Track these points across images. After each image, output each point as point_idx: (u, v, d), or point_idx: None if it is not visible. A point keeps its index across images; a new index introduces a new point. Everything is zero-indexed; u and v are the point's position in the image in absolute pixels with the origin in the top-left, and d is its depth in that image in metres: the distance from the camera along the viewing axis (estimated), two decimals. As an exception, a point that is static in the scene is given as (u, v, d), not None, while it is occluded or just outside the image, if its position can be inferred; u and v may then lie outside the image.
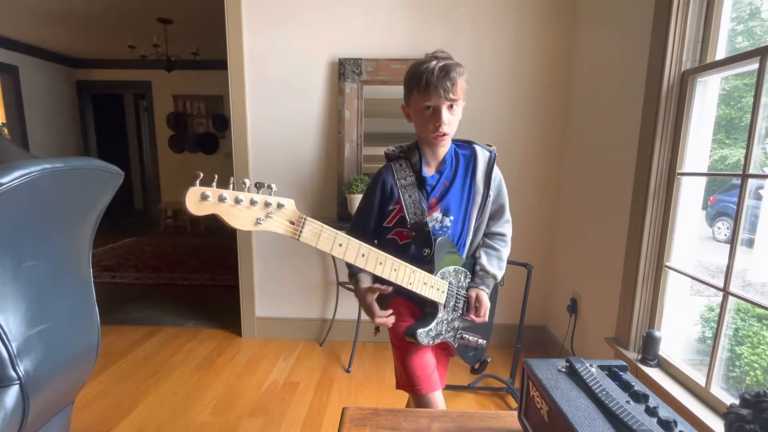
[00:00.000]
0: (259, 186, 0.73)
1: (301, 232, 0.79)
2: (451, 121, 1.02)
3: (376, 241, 1.13)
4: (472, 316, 1.09)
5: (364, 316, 2.31)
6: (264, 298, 2.48)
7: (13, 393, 0.62)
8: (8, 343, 0.61)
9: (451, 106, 1.01)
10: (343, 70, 2.21)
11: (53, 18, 4.12)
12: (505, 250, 1.16)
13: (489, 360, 1.21)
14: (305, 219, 0.79)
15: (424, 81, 0.98)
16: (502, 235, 1.17)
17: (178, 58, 4.75)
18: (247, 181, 0.73)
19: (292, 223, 0.78)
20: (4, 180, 0.58)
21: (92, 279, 0.86)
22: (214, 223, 5.81)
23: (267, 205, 0.74)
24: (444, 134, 1.03)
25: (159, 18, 4.02)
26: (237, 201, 0.71)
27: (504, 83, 2.23)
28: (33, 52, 5.23)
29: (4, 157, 0.84)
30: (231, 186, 0.72)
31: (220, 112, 5.93)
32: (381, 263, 0.92)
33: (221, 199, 0.70)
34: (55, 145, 5.62)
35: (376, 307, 1.04)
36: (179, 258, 4.31)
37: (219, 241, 5.07)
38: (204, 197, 0.68)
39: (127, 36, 4.48)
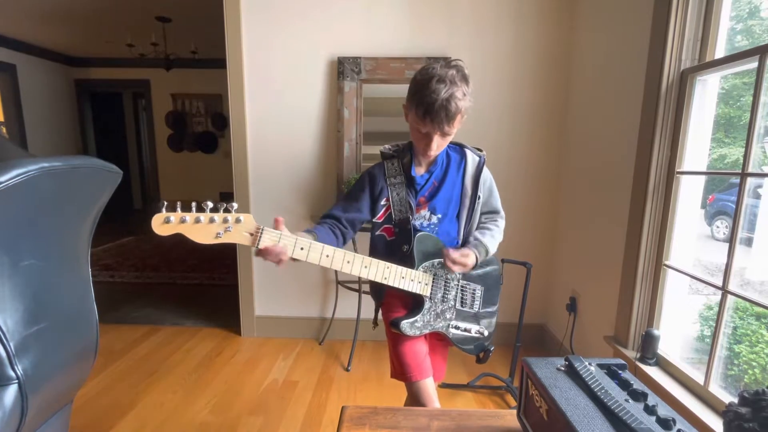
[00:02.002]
0: (220, 206, 0.84)
1: (259, 240, 0.88)
2: (442, 145, 1.07)
3: (346, 226, 1.11)
4: (448, 262, 1.06)
5: (364, 315, 2.31)
6: (263, 297, 2.48)
7: (11, 392, 0.62)
8: (6, 343, 0.61)
9: (444, 134, 1.03)
10: (342, 68, 2.20)
11: (51, 16, 4.10)
12: (498, 231, 1.19)
13: (492, 349, 1.22)
14: (263, 229, 0.88)
15: (424, 109, 0.98)
16: (495, 221, 1.21)
17: (177, 56, 4.75)
18: (209, 202, 0.84)
19: (251, 234, 0.88)
20: (2, 179, 0.57)
21: (91, 278, 0.86)
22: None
23: (225, 221, 0.85)
24: (431, 155, 1.08)
25: (158, 16, 4.01)
26: (197, 221, 0.84)
27: (503, 82, 2.23)
28: (31, 51, 5.22)
29: (2, 156, 0.83)
30: (193, 209, 0.84)
31: (219, 111, 5.92)
32: (349, 261, 0.98)
33: (182, 220, 0.83)
34: (54, 143, 5.61)
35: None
36: (178, 257, 4.31)
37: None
38: (167, 221, 0.82)
39: (126, 34, 4.46)
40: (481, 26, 2.18)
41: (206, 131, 6.04)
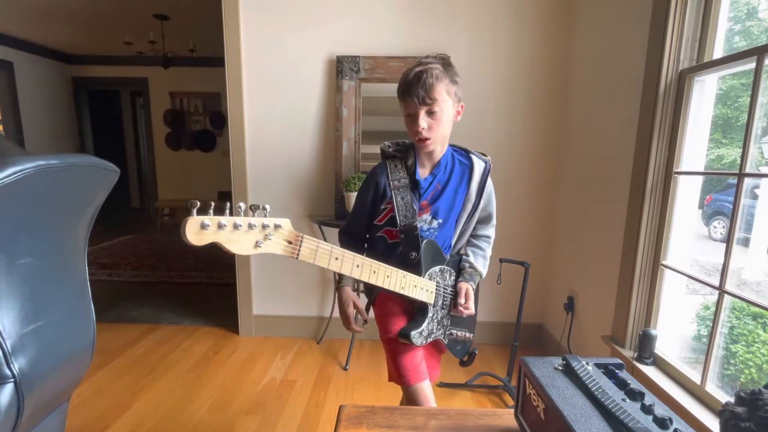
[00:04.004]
0: (254, 208, 0.73)
1: (299, 251, 0.79)
2: (432, 126, 1.02)
3: (367, 237, 1.18)
4: (461, 309, 1.11)
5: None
6: (261, 296, 2.48)
7: (7, 391, 0.62)
8: (2, 341, 0.61)
9: (430, 112, 1.01)
10: (341, 67, 2.20)
11: (49, 14, 4.09)
12: (489, 251, 1.23)
13: (477, 351, 1.24)
14: (302, 237, 0.79)
15: (402, 89, 1.02)
16: (488, 237, 1.24)
17: (175, 54, 4.73)
18: (242, 204, 0.72)
19: (290, 242, 0.78)
20: (-2, 176, 0.57)
21: (88, 276, 0.86)
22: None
23: (264, 227, 0.74)
24: (425, 139, 1.04)
25: (155, 14, 4.00)
26: (236, 226, 0.70)
27: (502, 81, 2.23)
28: (28, 48, 5.19)
29: (-1, 154, 0.83)
30: (227, 212, 0.71)
31: (218, 109, 5.91)
32: (375, 272, 0.95)
33: (220, 226, 0.69)
34: (51, 142, 5.58)
35: (352, 318, 1.14)
36: (176, 256, 4.30)
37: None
38: (204, 226, 0.67)
39: (124, 32, 4.45)
40: (480, 26, 2.18)
41: (204, 130, 6.03)
